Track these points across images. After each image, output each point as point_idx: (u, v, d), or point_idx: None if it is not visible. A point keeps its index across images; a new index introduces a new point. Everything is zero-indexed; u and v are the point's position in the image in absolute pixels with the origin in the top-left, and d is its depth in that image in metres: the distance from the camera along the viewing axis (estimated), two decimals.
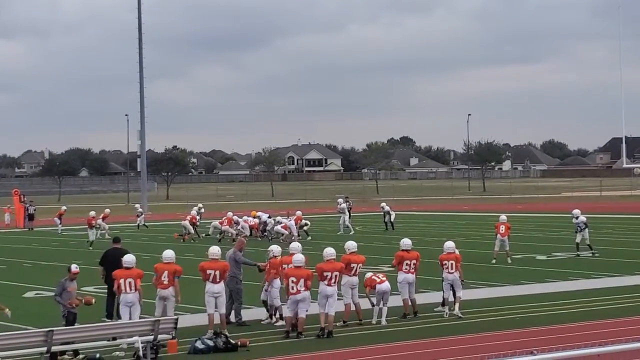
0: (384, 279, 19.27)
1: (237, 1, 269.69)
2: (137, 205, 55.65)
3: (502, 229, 30.85)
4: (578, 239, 32.20)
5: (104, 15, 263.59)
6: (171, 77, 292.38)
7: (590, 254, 31.73)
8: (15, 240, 45.30)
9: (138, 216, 51.93)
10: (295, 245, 19.54)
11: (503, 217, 32.04)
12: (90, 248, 38.00)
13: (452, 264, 19.94)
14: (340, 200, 47.35)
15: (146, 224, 51.82)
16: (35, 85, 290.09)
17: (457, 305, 19.72)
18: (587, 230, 32.30)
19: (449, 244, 20.49)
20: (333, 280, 18.06)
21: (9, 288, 25.73)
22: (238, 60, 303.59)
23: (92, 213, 42.03)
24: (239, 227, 41.58)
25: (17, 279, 27.00)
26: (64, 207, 53.66)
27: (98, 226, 42.85)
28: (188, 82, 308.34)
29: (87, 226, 41.26)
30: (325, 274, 18.03)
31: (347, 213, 45.54)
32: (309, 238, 40.10)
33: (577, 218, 32.42)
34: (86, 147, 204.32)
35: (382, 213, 47.99)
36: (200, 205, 48.54)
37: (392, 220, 47.25)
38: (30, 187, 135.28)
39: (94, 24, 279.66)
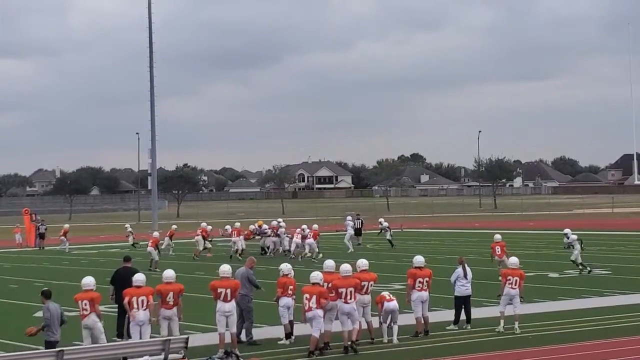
0: (393, 298, 19.19)
1: (248, 19, 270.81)
2: (127, 225, 54.49)
3: (498, 249, 30.97)
4: (573, 257, 32.44)
5: (114, 34, 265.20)
6: (182, 94, 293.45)
7: (578, 271, 31.90)
8: (26, 259, 45.30)
9: (127, 236, 50.93)
10: (330, 262, 19.23)
11: (498, 236, 32.02)
12: (157, 270, 35.11)
13: (516, 280, 20.02)
14: (349, 218, 47.11)
15: (134, 243, 50.05)
16: (46, 104, 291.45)
17: (516, 323, 19.77)
18: (580, 248, 32.51)
19: (514, 260, 20.61)
20: (349, 297, 17.97)
21: (20, 307, 25.69)
22: (248, 77, 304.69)
23: (156, 234, 41.30)
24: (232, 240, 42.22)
25: (28, 298, 26.93)
26: (67, 225, 53.43)
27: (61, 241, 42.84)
28: (199, 99, 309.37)
29: (151, 246, 38.65)
30: (340, 290, 17.94)
31: (351, 230, 46.08)
32: (320, 256, 40.03)
33: (567, 237, 32.86)
34: (97, 166, 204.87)
35: (380, 229, 47.50)
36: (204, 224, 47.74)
37: (388, 237, 46.50)
38: (41, 205, 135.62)
39: (104, 42, 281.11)
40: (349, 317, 17.85)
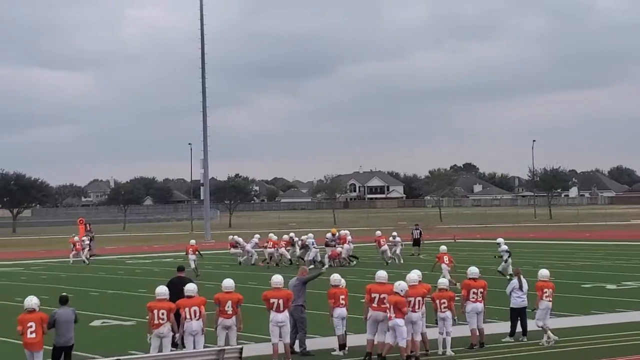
0: (446, 309, 18.94)
1: (299, 29, 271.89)
2: (85, 238, 53.01)
3: (446, 259, 31.85)
4: (500, 268, 33.24)
5: (166, 45, 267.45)
6: (233, 105, 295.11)
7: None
8: (82, 268, 45.78)
9: (83, 249, 49.85)
10: (382, 273, 19.03)
11: (443, 247, 33.01)
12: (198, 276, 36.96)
13: (551, 291, 19.83)
14: (395, 233, 45.37)
15: (85, 259, 48.99)
16: (100, 116, 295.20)
17: (549, 332, 19.60)
18: (509, 259, 33.47)
19: (546, 272, 20.30)
20: (417, 306, 17.84)
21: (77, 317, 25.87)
22: (300, 88, 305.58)
23: (237, 238, 44.40)
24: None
25: (84, 307, 27.16)
26: (76, 237, 53.27)
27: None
28: (249, 110, 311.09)
29: (191, 254, 40.19)
30: (408, 299, 17.81)
31: (412, 242, 45.41)
32: (327, 267, 40.22)
33: (499, 246, 34.16)
34: (150, 176, 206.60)
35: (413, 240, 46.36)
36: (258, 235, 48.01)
37: (398, 252, 43.97)
38: (96, 215, 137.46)
39: (156, 54, 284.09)
40: (414, 326, 17.74)
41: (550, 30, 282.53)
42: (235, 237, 46.74)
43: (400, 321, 17.40)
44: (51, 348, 16.33)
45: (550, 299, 19.84)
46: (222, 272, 37.90)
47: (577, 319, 23.50)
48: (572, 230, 75.89)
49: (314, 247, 42.61)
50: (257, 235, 45.75)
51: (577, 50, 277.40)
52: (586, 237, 63.95)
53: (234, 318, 17.64)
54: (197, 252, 40.22)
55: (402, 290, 17.79)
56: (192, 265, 38.61)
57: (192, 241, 42.31)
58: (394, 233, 45.58)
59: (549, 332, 19.58)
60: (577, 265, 40.49)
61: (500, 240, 35.70)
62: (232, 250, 46.09)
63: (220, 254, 54.35)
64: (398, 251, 43.96)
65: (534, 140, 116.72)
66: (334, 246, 42.35)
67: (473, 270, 19.95)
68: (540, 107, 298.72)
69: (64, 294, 17.34)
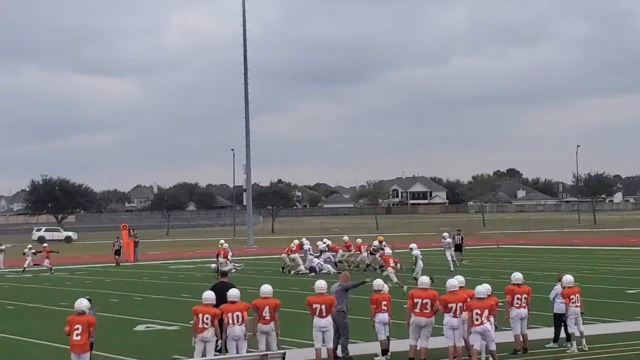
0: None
1: (340, 35, 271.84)
2: (29, 246, 52.92)
3: (391, 262, 34.08)
4: (414, 274, 33.53)
5: (209, 51, 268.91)
6: (275, 111, 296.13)
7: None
8: (126, 273, 46.20)
9: (27, 256, 49.72)
10: (425, 279, 18.92)
11: (388, 250, 35.65)
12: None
13: (578, 297, 19.65)
14: (446, 234, 44.77)
15: (27, 268, 48.72)
16: (143, 122, 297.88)
17: (583, 339, 19.41)
18: (420, 262, 35.10)
19: (570, 278, 20.12)
20: (459, 312, 17.80)
21: (121, 321, 26.15)
22: (341, 93, 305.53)
23: (295, 242, 44.01)
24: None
25: (128, 312, 27.45)
26: (45, 245, 53.39)
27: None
28: (291, 116, 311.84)
29: (224, 257, 42.05)
30: (449, 305, 17.78)
31: (453, 248, 44.53)
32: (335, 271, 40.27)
33: (412, 250, 35.93)
34: (193, 182, 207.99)
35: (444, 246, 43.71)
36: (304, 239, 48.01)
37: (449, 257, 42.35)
38: (139, 221, 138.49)
39: (199, 60, 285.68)
40: (455, 332, 17.68)
41: (593, 35, 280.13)
42: (304, 239, 45.27)
43: (489, 325, 17.50)
44: (93, 352, 16.51)
45: (578, 305, 19.61)
46: (263, 277, 38.01)
47: (622, 324, 23.22)
48: (616, 236, 75.04)
49: (309, 254, 43.03)
50: (327, 240, 45.20)
51: (620, 54, 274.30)
52: (631, 243, 63.18)
53: (272, 323, 17.71)
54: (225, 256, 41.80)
55: (484, 293, 17.86)
56: (226, 267, 38.94)
57: (225, 245, 43.92)
58: (445, 234, 44.84)
59: (582, 339, 19.40)
60: (621, 271, 40.06)
61: (413, 245, 36.96)
62: (291, 255, 43.10)
63: (263, 259, 54.59)
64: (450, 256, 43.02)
65: (578, 146, 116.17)
66: (376, 252, 42.18)
67: (517, 276, 19.83)
68: (583, 112, 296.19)
69: (87, 296, 17.53)
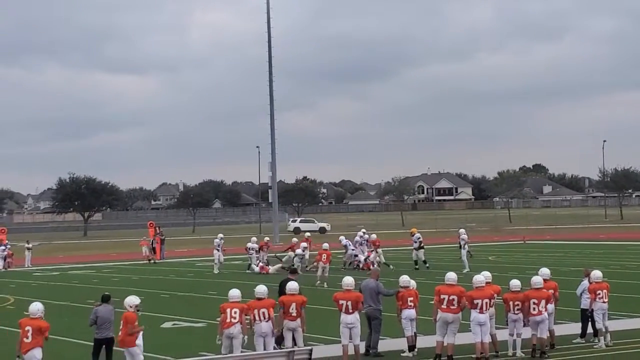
0: (519, 311, 18.77)
1: (365, 33, 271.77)
2: (28, 241, 53.64)
3: (324, 257, 35.65)
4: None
5: (233, 48, 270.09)
6: (300, 108, 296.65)
7: None
8: (153, 271, 46.41)
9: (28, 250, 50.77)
10: (452, 275, 18.77)
11: (326, 244, 36.77)
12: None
13: (605, 292, 19.54)
14: (462, 231, 42.32)
15: (12, 267, 49.69)
16: (168, 120, 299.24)
17: (608, 335, 19.38)
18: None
19: (598, 273, 20.00)
20: (485, 308, 17.79)
21: (148, 318, 26.23)
22: (366, 91, 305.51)
23: (295, 239, 44.56)
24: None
25: (156, 309, 27.58)
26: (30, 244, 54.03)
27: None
28: (317, 113, 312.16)
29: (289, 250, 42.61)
30: (475, 301, 17.78)
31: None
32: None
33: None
34: (219, 179, 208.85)
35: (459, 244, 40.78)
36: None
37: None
38: (165, 219, 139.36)
39: (223, 57, 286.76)
40: (482, 328, 17.66)
41: (619, 29, 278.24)
42: (341, 237, 45.03)
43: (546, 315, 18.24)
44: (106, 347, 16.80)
45: (605, 300, 19.49)
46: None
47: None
48: None
49: (350, 249, 42.88)
50: (363, 230, 45.87)
51: None
52: None
53: (298, 320, 17.76)
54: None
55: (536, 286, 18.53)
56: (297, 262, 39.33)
57: (266, 238, 45.48)
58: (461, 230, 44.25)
59: (607, 335, 19.34)
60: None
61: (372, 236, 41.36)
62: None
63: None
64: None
65: (604, 141, 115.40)
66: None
67: (544, 271, 19.75)
68: (610, 107, 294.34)
69: (106, 293, 17.65)
